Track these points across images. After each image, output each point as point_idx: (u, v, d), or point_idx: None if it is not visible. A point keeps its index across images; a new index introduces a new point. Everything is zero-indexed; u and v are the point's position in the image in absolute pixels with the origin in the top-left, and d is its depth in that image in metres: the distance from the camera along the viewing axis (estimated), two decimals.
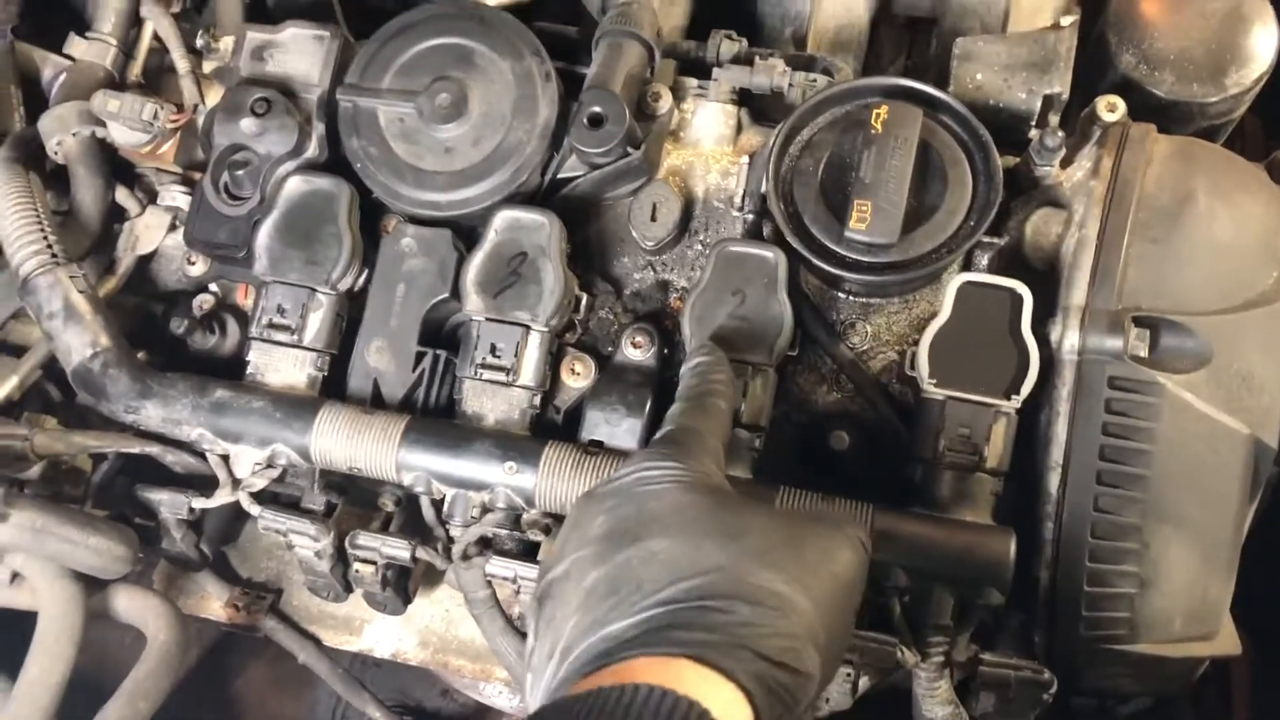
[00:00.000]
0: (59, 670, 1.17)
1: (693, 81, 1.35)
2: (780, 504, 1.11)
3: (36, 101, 1.51)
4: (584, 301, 1.27)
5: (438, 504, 1.21)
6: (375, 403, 1.25)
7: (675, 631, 0.78)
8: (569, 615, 0.84)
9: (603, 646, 0.80)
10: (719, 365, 1.09)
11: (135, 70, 1.44)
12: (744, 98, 1.35)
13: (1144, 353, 1.11)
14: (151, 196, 1.41)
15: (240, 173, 1.27)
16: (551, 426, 1.27)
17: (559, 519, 1.18)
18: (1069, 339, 1.13)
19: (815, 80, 1.32)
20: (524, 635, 1.26)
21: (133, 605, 1.27)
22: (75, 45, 1.41)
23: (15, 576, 1.23)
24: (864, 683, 1.19)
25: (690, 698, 0.71)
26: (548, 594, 0.88)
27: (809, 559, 0.86)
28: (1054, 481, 1.13)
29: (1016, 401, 1.12)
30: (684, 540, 0.85)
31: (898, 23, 1.60)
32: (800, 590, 0.82)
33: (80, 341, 1.24)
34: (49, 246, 1.25)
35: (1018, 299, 1.14)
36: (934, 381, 1.13)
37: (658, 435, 1.02)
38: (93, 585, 1.26)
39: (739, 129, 1.34)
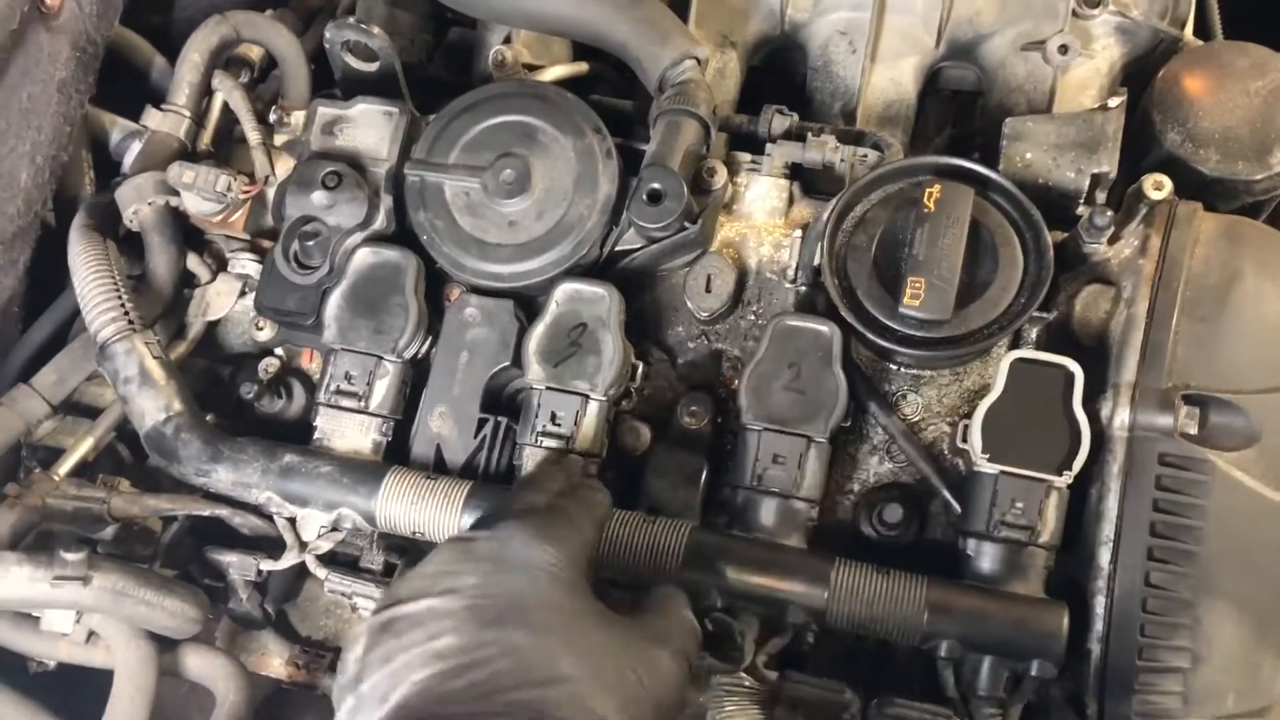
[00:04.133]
0: None
1: (746, 156, 1.39)
2: (836, 576, 1.14)
3: (103, 164, 1.58)
4: (639, 370, 1.31)
5: None
6: (438, 468, 1.28)
7: None
8: (412, 669, 0.88)
9: None
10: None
11: (205, 139, 1.49)
12: (795, 171, 1.39)
13: (1194, 430, 1.14)
14: (220, 263, 1.45)
15: (310, 243, 1.32)
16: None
17: (614, 584, 1.21)
18: (1119, 416, 1.15)
19: (866, 155, 1.36)
20: None
21: (203, 665, 1.31)
22: (150, 116, 1.46)
23: (91, 635, 1.27)
24: None
25: None
26: (393, 627, 0.92)
27: (642, 685, 0.94)
28: (1105, 556, 1.14)
29: (1068, 477, 1.14)
30: (544, 640, 0.92)
31: (944, 95, 1.64)
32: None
33: (154, 406, 1.28)
34: (126, 314, 1.30)
35: (1069, 376, 1.16)
36: (987, 456, 1.15)
37: (540, 508, 1.07)
38: (162, 643, 1.29)
39: (790, 202, 1.37)
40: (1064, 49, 1.42)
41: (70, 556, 1.17)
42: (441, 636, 0.91)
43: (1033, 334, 1.25)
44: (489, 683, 0.88)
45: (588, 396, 1.25)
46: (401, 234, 1.35)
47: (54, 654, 1.30)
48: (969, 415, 1.20)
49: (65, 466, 1.33)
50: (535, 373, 1.25)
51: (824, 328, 1.22)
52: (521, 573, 0.97)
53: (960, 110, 1.65)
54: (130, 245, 1.44)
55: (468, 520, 1.19)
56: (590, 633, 0.97)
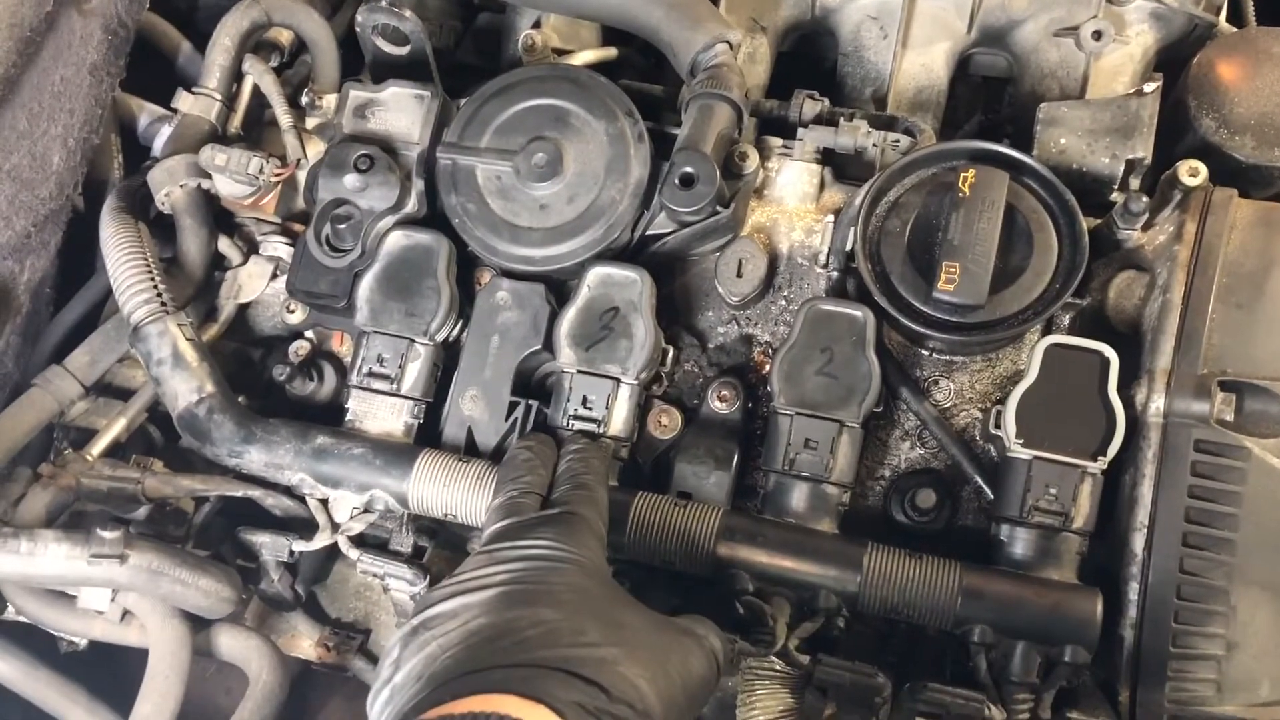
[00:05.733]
0: (169, 707, 1.22)
1: (777, 141, 1.39)
2: (868, 561, 1.14)
3: (131, 148, 1.58)
4: (670, 354, 1.31)
5: None
6: (469, 450, 1.29)
7: (544, 684, 0.84)
8: (447, 648, 0.90)
9: (474, 682, 0.85)
10: (597, 452, 1.19)
11: (235, 123, 1.50)
12: (826, 156, 1.38)
13: (1230, 417, 1.13)
14: (251, 246, 1.46)
15: (342, 226, 1.32)
16: (638, 477, 1.30)
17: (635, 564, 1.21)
18: (1154, 402, 1.15)
19: (898, 140, 1.35)
20: None
21: (235, 645, 1.31)
22: (182, 99, 1.47)
23: (126, 614, 1.28)
24: None
25: None
26: (427, 625, 0.94)
27: (670, 666, 0.96)
28: (1139, 542, 1.14)
29: (1103, 463, 1.14)
30: (572, 616, 0.93)
31: (974, 81, 1.63)
32: (656, 692, 0.91)
33: (187, 387, 1.28)
34: (159, 295, 1.30)
35: (1104, 362, 1.16)
36: (1021, 441, 1.15)
37: (551, 512, 1.08)
38: (195, 623, 1.30)
39: (822, 187, 1.37)
40: (1098, 35, 1.42)
41: (107, 535, 1.18)
42: (474, 620, 0.92)
43: (1066, 320, 1.25)
44: (519, 646, 0.89)
45: (619, 380, 1.25)
46: (433, 217, 1.35)
47: (89, 632, 1.31)
48: (1001, 401, 1.20)
49: (98, 447, 1.34)
50: (567, 356, 1.26)
51: (857, 312, 1.22)
52: (549, 564, 0.99)
53: (990, 96, 1.65)
54: (161, 228, 1.45)
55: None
56: (620, 613, 0.98)
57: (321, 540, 1.27)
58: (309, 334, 1.42)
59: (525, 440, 1.21)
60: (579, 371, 1.25)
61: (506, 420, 1.29)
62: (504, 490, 1.12)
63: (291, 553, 1.30)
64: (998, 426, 1.18)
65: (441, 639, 0.91)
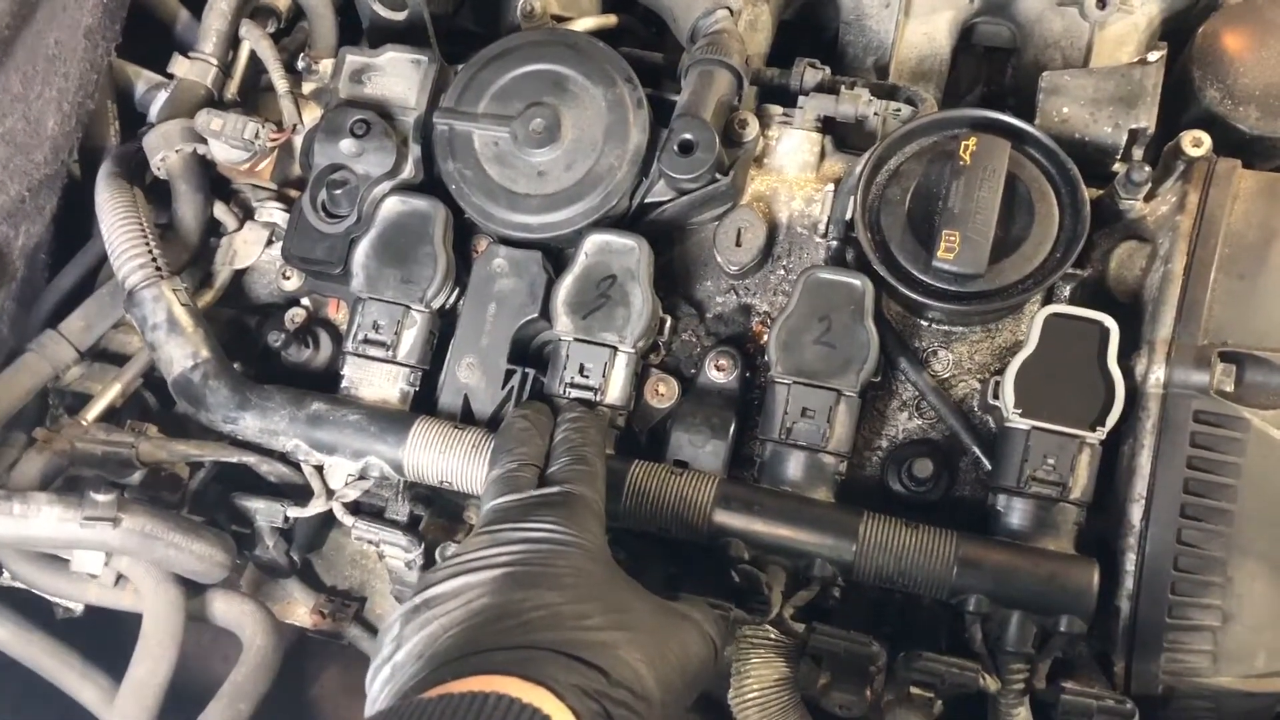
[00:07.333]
0: (163, 670, 1.22)
1: (778, 109, 1.37)
2: (864, 530, 1.13)
3: (128, 115, 1.57)
4: (668, 324, 1.30)
5: None
6: (465, 418, 1.28)
7: (546, 667, 0.84)
8: (449, 628, 0.90)
9: (476, 663, 0.85)
10: (594, 422, 1.18)
11: (232, 89, 1.48)
12: (827, 125, 1.37)
13: (1230, 388, 1.13)
14: (247, 212, 1.45)
15: (338, 192, 1.31)
16: (635, 445, 1.29)
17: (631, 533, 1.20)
18: (1154, 373, 1.14)
19: (899, 109, 1.34)
20: None
21: (229, 610, 1.31)
22: (178, 64, 1.45)
23: (119, 578, 1.28)
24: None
25: (543, 711, 0.78)
26: (429, 603, 0.94)
27: (669, 650, 0.96)
28: (1137, 513, 1.14)
29: (1101, 433, 1.13)
30: (575, 600, 0.94)
31: (976, 51, 1.62)
32: (655, 676, 0.92)
33: (182, 353, 1.28)
34: (154, 260, 1.29)
35: (1104, 332, 1.15)
36: (1019, 411, 1.14)
37: (553, 491, 1.07)
38: (190, 589, 1.30)
39: (822, 156, 1.36)
40: (1102, 4, 1.40)
41: (100, 498, 1.18)
42: (477, 600, 0.92)
43: (1066, 291, 1.24)
44: (521, 628, 0.89)
45: (616, 348, 1.24)
46: (430, 183, 1.34)
47: (83, 596, 1.31)
48: (1000, 372, 1.19)
49: (93, 412, 1.34)
50: (564, 324, 1.25)
51: (856, 281, 1.21)
52: (551, 547, 0.99)
53: (993, 68, 1.63)
54: (157, 194, 1.44)
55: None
56: (621, 597, 0.98)
57: (316, 507, 1.27)
58: (305, 301, 1.42)
59: (522, 409, 1.20)
60: (576, 340, 1.24)
61: (503, 388, 1.28)
62: (501, 461, 1.12)
63: (286, 519, 1.30)
64: (996, 397, 1.18)
65: (443, 618, 0.91)
